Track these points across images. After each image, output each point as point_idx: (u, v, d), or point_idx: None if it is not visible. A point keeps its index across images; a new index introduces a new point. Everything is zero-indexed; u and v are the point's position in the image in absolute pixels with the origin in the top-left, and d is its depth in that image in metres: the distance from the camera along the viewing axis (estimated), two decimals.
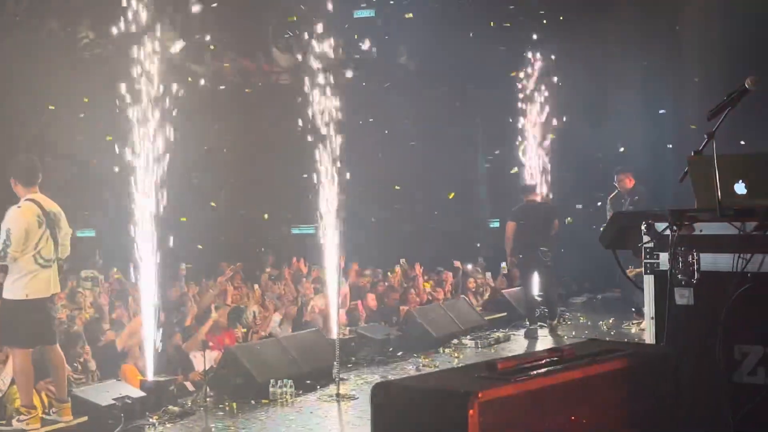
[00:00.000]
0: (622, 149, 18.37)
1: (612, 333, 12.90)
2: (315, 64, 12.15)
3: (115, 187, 10.35)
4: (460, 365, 9.65)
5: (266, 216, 15.17)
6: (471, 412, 2.74)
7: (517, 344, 13.23)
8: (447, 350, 12.48)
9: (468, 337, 13.23)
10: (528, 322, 13.82)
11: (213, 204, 15.00)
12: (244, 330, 11.35)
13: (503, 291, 15.77)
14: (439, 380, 3.11)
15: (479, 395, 2.82)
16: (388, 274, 15.21)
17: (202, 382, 9.44)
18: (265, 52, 16.85)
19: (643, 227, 4.46)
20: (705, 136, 4.59)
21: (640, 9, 17.53)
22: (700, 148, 4.58)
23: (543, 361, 3.15)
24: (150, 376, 9.35)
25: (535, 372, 3.06)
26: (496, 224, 18.38)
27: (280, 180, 15.25)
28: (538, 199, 14.91)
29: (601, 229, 4.99)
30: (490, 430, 2.84)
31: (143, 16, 10.00)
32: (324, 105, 12.02)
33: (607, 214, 13.63)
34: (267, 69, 16.70)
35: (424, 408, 2.86)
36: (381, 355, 11.85)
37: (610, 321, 13.94)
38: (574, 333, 13.65)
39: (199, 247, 13.54)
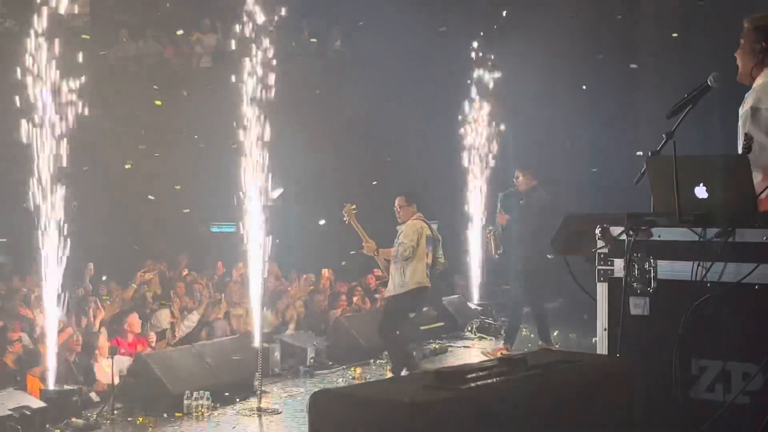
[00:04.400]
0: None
1: (557, 345, 12.97)
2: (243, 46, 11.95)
3: (16, 177, 10.20)
4: None
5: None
6: (417, 422, 2.77)
7: (454, 356, 13.30)
8: (379, 361, 12.49)
9: None
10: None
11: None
12: (156, 334, 11.28)
13: (443, 299, 15.71)
14: (383, 389, 3.12)
15: (425, 405, 2.85)
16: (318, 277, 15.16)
17: (110, 392, 9.35)
18: (186, 34, 16.73)
19: (597, 232, 4.50)
20: (663, 136, 4.66)
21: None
22: (658, 148, 4.65)
23: (492, 371, 3.18)
24: (51, 385, 9.23)
25: (483, 382, 3.09)
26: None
27: (199, 172, 15.11)
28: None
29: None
30: None
31: None
32: (251, 94, 11.79)
33: (496, 211, 13.50)
34: (188, 51, 16.60)
35: (367, 418, 2.87)
36: (307, 366, 11.84)
37: (555, 333, 14.01)
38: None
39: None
